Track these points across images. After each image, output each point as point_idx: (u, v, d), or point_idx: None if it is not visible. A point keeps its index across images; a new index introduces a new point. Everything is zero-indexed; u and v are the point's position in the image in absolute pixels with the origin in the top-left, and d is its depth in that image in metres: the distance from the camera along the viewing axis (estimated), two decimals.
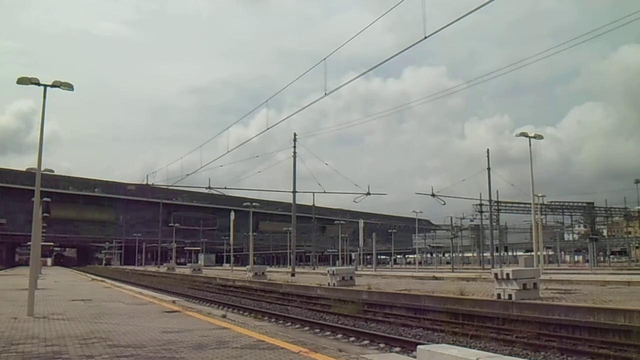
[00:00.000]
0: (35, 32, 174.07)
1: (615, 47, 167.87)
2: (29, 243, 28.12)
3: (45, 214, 35.47)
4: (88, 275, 47.09)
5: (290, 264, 46.44)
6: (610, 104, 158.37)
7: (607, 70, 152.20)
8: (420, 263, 79.18)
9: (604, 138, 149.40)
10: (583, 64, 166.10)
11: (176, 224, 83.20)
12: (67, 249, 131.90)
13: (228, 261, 79.44)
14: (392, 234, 75.72)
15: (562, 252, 71.67)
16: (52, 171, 26.53)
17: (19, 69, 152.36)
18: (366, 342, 11.80)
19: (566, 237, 76.98)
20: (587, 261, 55.90)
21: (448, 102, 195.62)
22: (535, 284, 14.13)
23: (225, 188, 41.30)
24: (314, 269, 54.83)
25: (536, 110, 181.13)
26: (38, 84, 12.31)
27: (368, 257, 75.45)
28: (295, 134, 37.84)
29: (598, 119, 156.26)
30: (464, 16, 11.96)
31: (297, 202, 39.38)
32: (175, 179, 41.12)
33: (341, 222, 72.06)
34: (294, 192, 38.04)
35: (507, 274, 13.77)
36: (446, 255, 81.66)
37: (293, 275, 34.79)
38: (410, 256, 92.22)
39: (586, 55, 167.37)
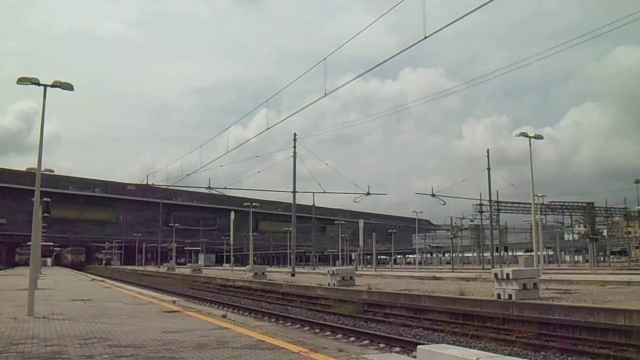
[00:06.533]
0: (37, 33, 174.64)
1: (611, 48, 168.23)
2: (29, 243, 28.15)
3: (45, 214, 35.46)
4: (88, 275, 47.09)
5: (290, 264, 46.42)
6: (607, 105, 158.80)
7: (604, 71, 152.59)
8: (420, 263, 79.12)
9: (601, 139, 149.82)
10: (581, 65, 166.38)
11: (176, 224, 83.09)
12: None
13: (228, 261, 79.41)
14: (392, 234, 75.68)
15: (562, 252, 71.65)
16: (52, 171, 26.59)
17: (21, 69, 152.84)
18: (366, 342, 11.80)
19: (566, 237, 77.04)
20: (587, 261, 55.91)
21: (446, 103, 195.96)
22: (535, 284, 14.12)
23: (225, 188, 41.32)
24: (314, 269, 54.81)
25: (534, 110, 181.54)
26: (38, 84, 12.30)
27: (368, 257, 75.41)
28: (295, 134, 37.79)
29: (595, 120, 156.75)
30: (464, 16, 11.99)
31: (297, 202, 39.36)
32: (175, 179, 41.19)
33: (341, 222, 71.97)
34: (294, 192, 38.02)
35: (507, 274, 13.76)
36: (446, 255, 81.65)
37: (293, 275, 34.77)
38: (410, 256, 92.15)
39: (584, 56, 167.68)
